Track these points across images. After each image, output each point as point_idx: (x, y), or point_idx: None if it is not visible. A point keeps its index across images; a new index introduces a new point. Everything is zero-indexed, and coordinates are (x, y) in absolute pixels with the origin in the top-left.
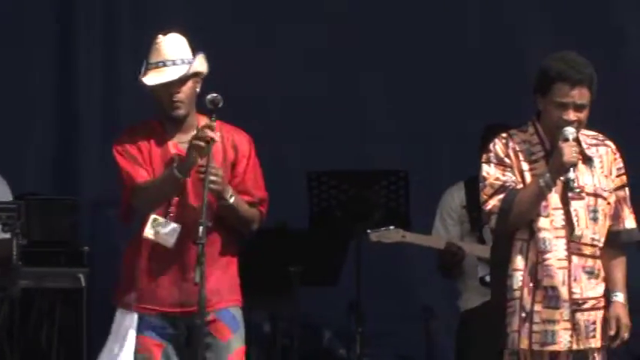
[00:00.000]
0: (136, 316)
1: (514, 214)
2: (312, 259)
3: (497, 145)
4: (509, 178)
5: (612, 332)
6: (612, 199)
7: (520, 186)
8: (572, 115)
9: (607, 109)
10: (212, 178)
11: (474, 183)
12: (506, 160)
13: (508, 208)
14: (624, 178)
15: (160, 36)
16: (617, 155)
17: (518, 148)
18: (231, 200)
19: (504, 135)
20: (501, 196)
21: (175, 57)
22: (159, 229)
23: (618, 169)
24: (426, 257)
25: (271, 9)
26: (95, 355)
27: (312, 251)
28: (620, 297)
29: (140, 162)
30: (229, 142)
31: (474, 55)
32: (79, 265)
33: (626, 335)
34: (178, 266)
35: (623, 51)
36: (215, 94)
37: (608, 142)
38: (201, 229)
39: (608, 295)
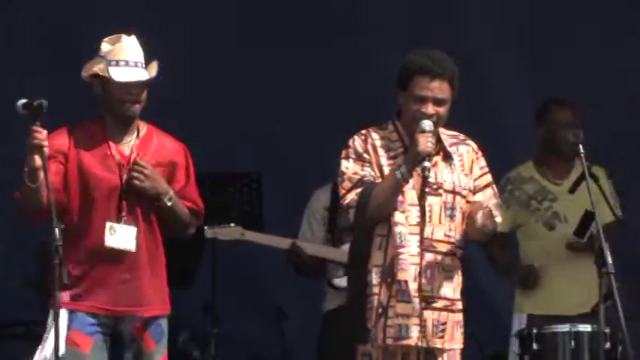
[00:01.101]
0: (67, 314)
1: (371, 207)
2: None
3: (357, 141)
4: (368, 172)
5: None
6: (471, 197)
7: (378, 181)
8: (430, 109)
9: (469, 109)
10: (134, 174)
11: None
12: (365, 155)
13: (365, 201)
14: (488, 176)
15: (123, 35)
16: (479, 154)
17: (377, 144)
18: (169, 203)
19: (363, 131)
20: (359, 190)
21: (138, 59)
22: (118, 235)
23: (481, 167)
24: (281, 258)
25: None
26: None
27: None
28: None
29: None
30: (167, 151)
31: (331, 56)
32: None
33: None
34: (115, 267)
35: (482, 54)
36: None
37: (469, 142)
38: (57, 230)
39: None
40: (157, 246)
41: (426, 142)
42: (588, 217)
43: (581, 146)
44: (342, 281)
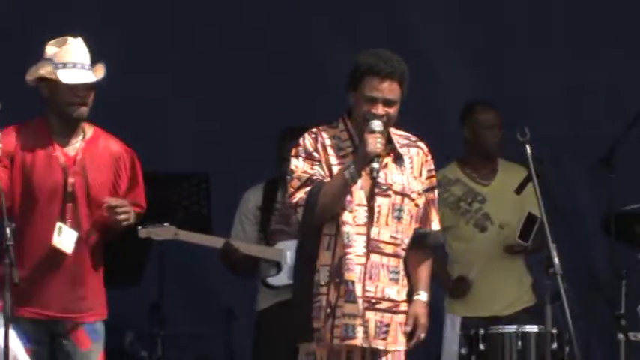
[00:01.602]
0: (2, 320)
1: (319, 206)
2: (113, 259)
3: (307, 140)
4: (317, 171)
5: (408, 329)
6: (420, 200)
7: (328, 180)
8: (380, 110)
9: (420, 110)
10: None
11: (272, 185)
12: (315, 154)
13: (314, 200)
14: (434, 180)
15: (70, 38)
16: (429, 157)
17: (327, 143)
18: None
19: (314, 130)
20: (308, 189)
21: (86, 61)
22: (62, 236)
23: (429, 170)
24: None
25: None
26: None
27: (113, 252)
28: (422, 296)
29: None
30: (115, 155)
31: (271, 57)
32: None
33: (422, 335)
34: (55, 272)
35: (435, 54)
36: None
37: (420, 144)
38: (8, 230)
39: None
40: (98, 251)
41: (375, 143)
42: (531, 220)
43: (528, 147)
44: (275, 280)
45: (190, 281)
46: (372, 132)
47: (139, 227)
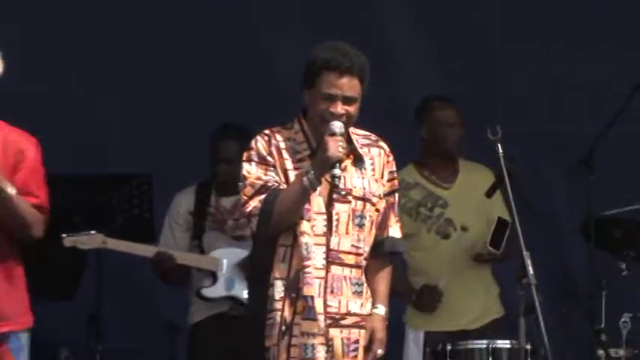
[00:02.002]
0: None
1: (275, 215)
2: (46, 270)
3: (260, 143)
4: (272, 177)
5: (364, 343)
6: (382, 205)
7: (283, 186)
8: (339, 108)
9: (378, 107)
10: None
11: (204, 187)
12: (269, 158)
13: (269, 209)
14: (396, 182)
15: None
16: (391, 158)
17: (282, 146)
18: (9, 191)
19: (267, 132)
20: (262, 196)
21: None
22: None
23: (391, 172)
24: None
25: None
26: None
27: (45, 262)
28: (380, 309)
29: None
30: (12, 144)
31: (217, 55)
32: None
33: (379, 351)
34: None
35: (390, 48)
36: None
37: (382, 144)
38: None
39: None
40: (11, 256)
41: (336, 147)
42: (501, 226)
43: (499, 145)
44: (211, 291)
45: (131, 292)
46: (333, 134)
47: (64, 235)
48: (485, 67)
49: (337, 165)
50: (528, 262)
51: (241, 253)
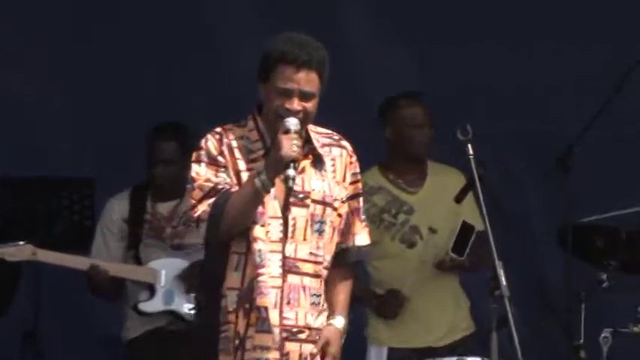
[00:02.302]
0: None
1: (226, 220)
2: None
3: (210, 142)
4: (223, 179)
5: (315, 351)
6: (344, 209)
7: (235, 189)
8: (296, 104)
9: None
10: None
11: (139, 192)
12: (220, 158)
13: (219, 213)
14: (359, 185)
15: None
16: (354, 159)
17: (234, 145)
18: None
19: (218, 130)
20: (212, 200)
21: None
22: None
23: (354, 174)
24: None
25: None
26: None
27: None
28: (338, 321)
29: None
30: None
31: (166, 51)
32: None
33: None
34: None
35: (348, 42)
36: None
37: (344, 143)
38: None
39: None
40: None
41: (290, 145)
42: (466, 230)
43: (470, 146)
44: (148, 305)
45: (70, 307)
46: (287, 131)
47: None
48: (453, 65)
49: (292, 165)
50: (501, 272)
51: (181, 263)
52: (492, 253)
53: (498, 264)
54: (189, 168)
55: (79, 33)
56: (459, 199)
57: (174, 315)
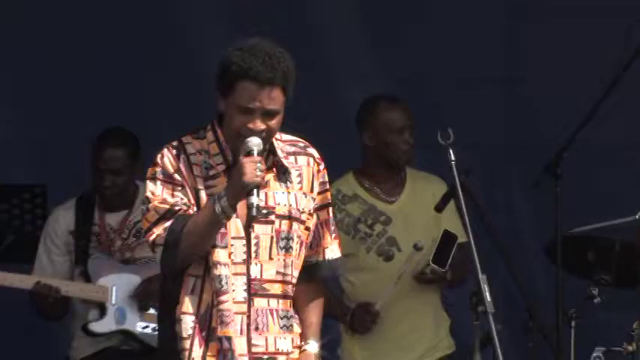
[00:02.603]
0: None
1: (183, 246)
2: None
3: (166, 157)
4: (180, 199)
5: None
6: (312, 222)
7: (193, 210)
8: (259, 124)
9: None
10: None
11: (86, 201)
12: (177, 176)
13: (176, 239)
14: (328, 195)
15: None
16: (322, 166)
17: (193, 161)
18: None
19: (175, 144)
20: (168, 223)
21: None
22: None
23: (322, 183)
24: None
25: None
26: None
27: None
28: (312, 346)
29: None
30: None
31: (124, 53)
32: None
33: None
34: None
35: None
36: None
37: (311, 150)
38: None
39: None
40: None
41: (253, 171)
42: (448, 240)
43: (451, 151)
44: (100, 325)
45: (20, 326)
46: (250, 153)
47: None
48: (435, 68)
49: (255, 192)
50: (485, 286)
51: (133, 279)
52: (476, 266)
53: (482, 277)
54: (138, 175)
55: (31, 35)
56: (439, 207)
57: (127, 334)
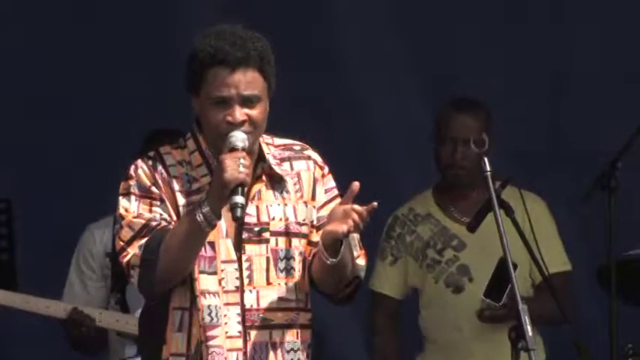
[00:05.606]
0: None
1: (162, 266)
2: None
3: (141, 170)
4: (158, 215)
5: None
6: (316, 237)
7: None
8: (237, 114)
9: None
10: None
11: None
12: (154, 189)
13: (152, 258)
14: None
15: None
16: (325, 171)
17: (172, 173)
18: None
19: (152, 154)
20: (144, 241)
21: None
22: None
23: (328, 190)
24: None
25: None
26: None
27: None
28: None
29: None
30: None
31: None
32: None
33: None
34: None
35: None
36: None
37: (310, 153)
38: None
39: None
40: None
41: (235, 166)
42: (505, 269)
43: (486, 160)
44: None
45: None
46: (233, 149)
47: None
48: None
49: (239, 190)
50: (526, 318)
51: None
52: (516, 295)
53: (523, 308)
54: None
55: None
56: (472, 226)
57: None
